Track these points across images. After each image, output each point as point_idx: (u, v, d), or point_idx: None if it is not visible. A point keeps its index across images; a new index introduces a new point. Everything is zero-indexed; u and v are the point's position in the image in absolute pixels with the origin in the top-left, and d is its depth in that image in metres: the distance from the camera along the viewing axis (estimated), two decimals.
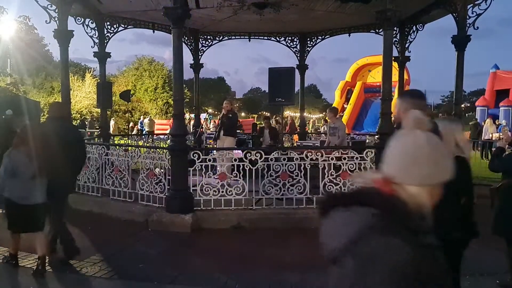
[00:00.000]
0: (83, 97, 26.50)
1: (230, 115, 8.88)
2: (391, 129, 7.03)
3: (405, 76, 15.29)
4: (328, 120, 10.66)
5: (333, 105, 25.68)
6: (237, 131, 10.34)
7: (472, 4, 7.69)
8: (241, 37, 11.55)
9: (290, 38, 11.57)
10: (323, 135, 13.65)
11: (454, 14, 7.84)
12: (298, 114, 13.92)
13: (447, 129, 2.81)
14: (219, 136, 8.80)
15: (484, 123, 18.98)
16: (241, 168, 6.48)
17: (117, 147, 7.57)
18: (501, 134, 13.45)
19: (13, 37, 20.66)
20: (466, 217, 2.90)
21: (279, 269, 4.60)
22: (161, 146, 9.92)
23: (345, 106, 25.12)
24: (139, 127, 23.89)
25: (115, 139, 11.23)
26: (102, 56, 9.48)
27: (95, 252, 5.11)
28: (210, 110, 36.99)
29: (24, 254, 4.84)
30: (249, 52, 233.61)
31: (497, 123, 18.87)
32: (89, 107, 26.11)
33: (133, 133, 20.69)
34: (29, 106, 13.93)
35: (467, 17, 7.73)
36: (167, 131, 11.59)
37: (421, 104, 2.63)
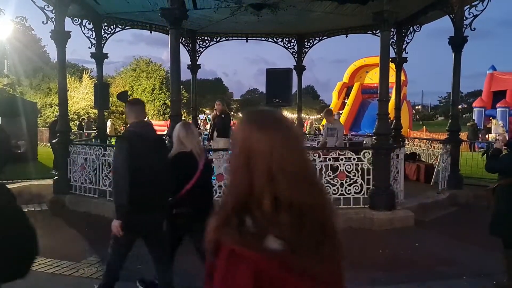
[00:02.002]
0: (80, 98, 26.47)
1: (223, 116, 8.74)
2: (389, 130, 7.05)
3: (402, 77, 15.34)
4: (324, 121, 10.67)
5: (330, 106, 25.77)
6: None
7: (469, 6, 7.73)
8: (239, 38, 11.57)
9: (287, 39, 11.58)
10: (320, 135, 13.65)
11: (451, 16, 7.87)
12: (295, 115, 13.97)
13: (175, 130, 3.70)
14: (212, 137, 8.73)
15: (484, 124, 19.05)
16: None
17: (114, 148, 7.54)
18: (497, 135, 13.49)
19: (10, 38, 20.57)
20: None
21: None
22: None
23: (345, 101, 25.15)
24: None
25: (112, 140, 11.20)
26: (100, 57, 9.46)
27: (92, 254, 5.10)
28: (207, 111, 36.93)
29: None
30: (248, 53, 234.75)
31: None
32: (86, 108, 26.09)
33: None
34: (26, 108, 13.89)
35: (464, 18, 7.77)
36: (165, 132, 11.55)
37: (137, 109, 3.54)
